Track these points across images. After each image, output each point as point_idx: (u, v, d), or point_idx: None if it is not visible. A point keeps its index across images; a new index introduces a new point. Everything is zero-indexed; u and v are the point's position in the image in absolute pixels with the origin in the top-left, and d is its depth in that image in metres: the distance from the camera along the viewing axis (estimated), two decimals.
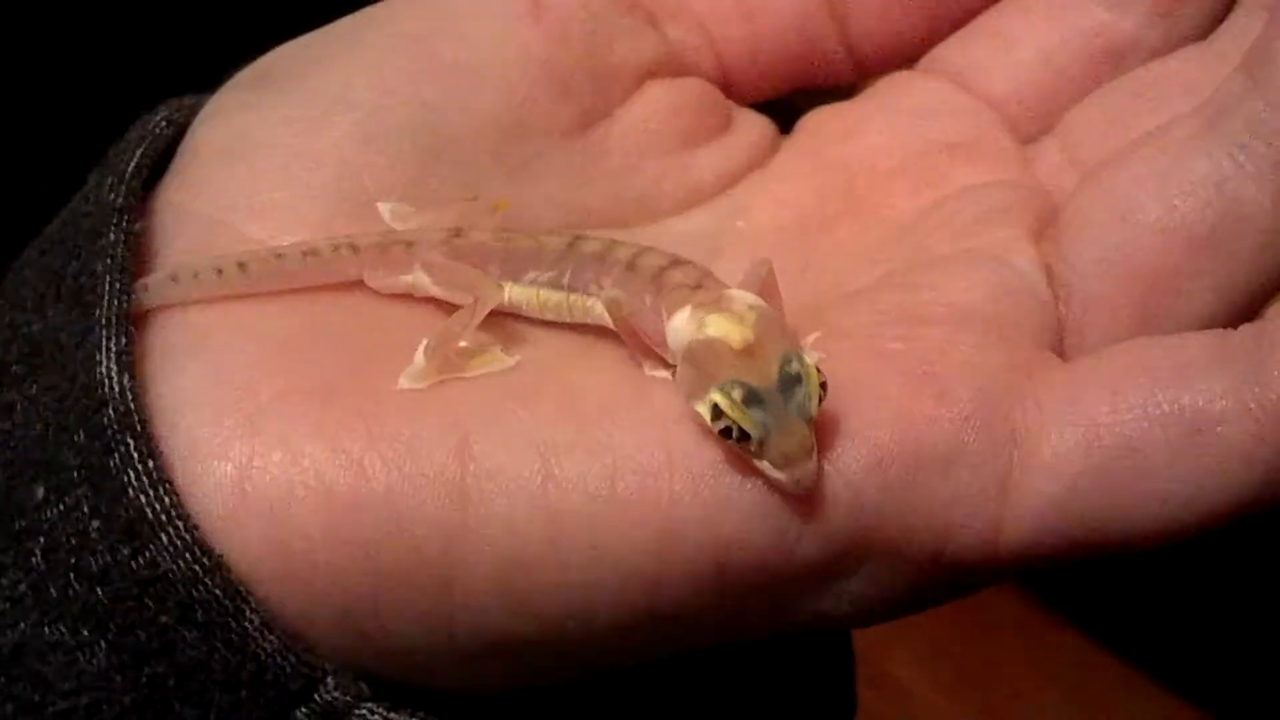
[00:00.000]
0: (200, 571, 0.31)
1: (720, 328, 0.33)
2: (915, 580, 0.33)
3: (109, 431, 0.31)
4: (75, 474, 0.31)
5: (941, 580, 0.34)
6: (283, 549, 0.31)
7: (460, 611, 0.32)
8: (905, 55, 0.45)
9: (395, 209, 0.38)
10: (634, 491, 0.32)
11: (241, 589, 0.31)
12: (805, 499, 0.32)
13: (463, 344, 0.35)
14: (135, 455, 0.31)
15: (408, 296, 0.37)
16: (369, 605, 0.32)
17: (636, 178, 0.42)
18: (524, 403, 0.33)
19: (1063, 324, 0.36)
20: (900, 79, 0.45)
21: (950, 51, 0.44)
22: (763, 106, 0.46)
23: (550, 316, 0.37)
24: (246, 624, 0.31)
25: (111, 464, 0.31)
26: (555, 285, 0.37)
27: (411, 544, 0.31)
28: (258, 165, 0.37)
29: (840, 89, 0.46)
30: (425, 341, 0.34)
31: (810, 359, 0.32)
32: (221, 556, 0.31)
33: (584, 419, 0.33)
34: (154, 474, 0.31)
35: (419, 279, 0.37)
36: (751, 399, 0.31)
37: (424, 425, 0.32)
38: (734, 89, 0.45)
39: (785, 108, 0.46)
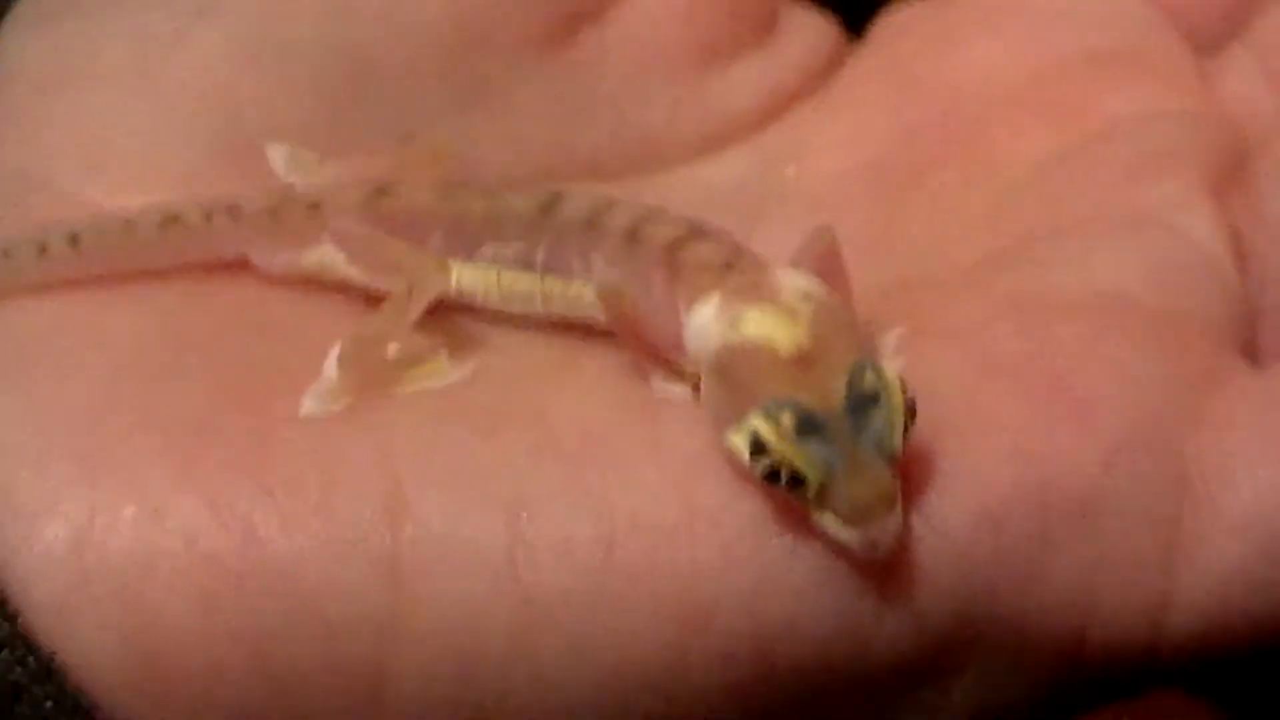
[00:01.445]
0: (22, 676, 0.32)
1: (762, 326, 0.33)
2: (1048, 680, 0.34)
3: None
4: None
5: (1084, 679, 0.34)
6: (142, 645, 0.32)
7: None
8: None
9: (293, 156, 0.39)
10: (639, 560, 0.32)
11: (83, 701, 0.32)
12: (886, 568, 0.32)
13: (391, 349, 0.36)
14: None
15: (313, 284, 0.38)
16: None
17: (640, 107, 0.43)
18: (482, 434, 0.34)
19: (1255, 314, 0.38)
20: None
21: None
22: (821, 1, 0.47)
23: (518, 309, 0.38)
24: None
25: None
26: (524, 264, 0.38)
27: (326, 637, 0.32)
28: (92, 97, 0.38)
29: None
30: (338, 346, 0.36)
31: (892, 369, 0.33)
32: (54, 656, 0.32)
33: (567, 457, 0.34)
34: None
35: (328, 257, 0.38)
36: (808, 427, 0.32)
37: (339, 467, 0.33)
38: None
39: (853, 3, 0.47)
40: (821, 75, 0.45)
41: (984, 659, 0.34)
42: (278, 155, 0.39)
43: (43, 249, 0.36)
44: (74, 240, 0.36)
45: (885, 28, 0.46)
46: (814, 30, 0.46)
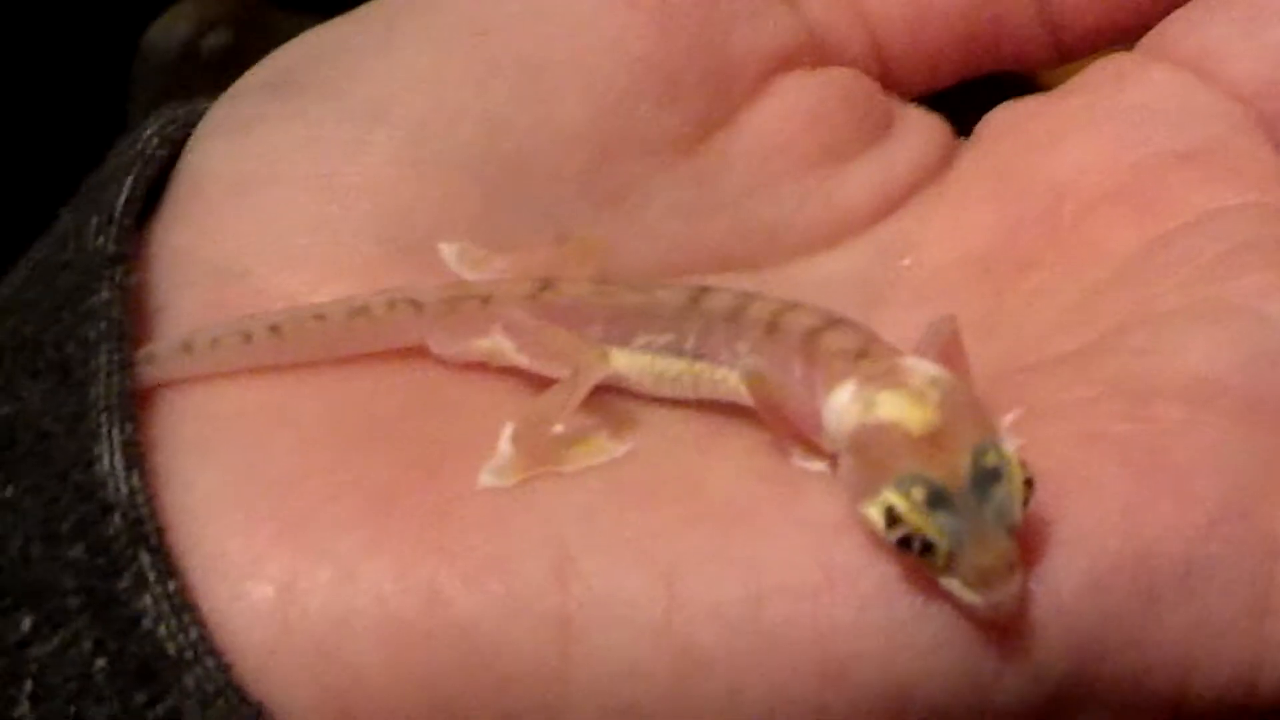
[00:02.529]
0: None
1: (895, 408, 0.35)
2: None
3: (116, 545, 0.35)
4: (73, 600, 0.35)
5: None
6: (337, 694, 0.35)
7: None
8: (1121, 32, 0.49)
9: (464, 252, 0.42)
10: (784, 619, 0.34)
11: None
12: (1007, 627, 0.34)
13: (558, 429, 0.38)
14: (151, 575, 0.35)
15: (485, 367, 0.41)
16: None
17: (767, 204, 0.45)
18: (640, 504, 0.36)
19: None
20: (1116, 65, 0.48)
21: (1183, 28, 0.47)
22: (931, 102, 0.49)
23: (668, 392, 0.40)
24: None
25: (121, 587, 0.35)
26: (675, 352, 0.40)
27: (501, 687, 0.34)
28: (280, 198, 0.42)
29: (1034, 79, 0.51)
30: (510, 426, 0.38)
31: (1011, 447, 0.35)
32: (261, 704, 0.34)
33: (717, 525, 0.36)
34: (175, 599, 0.34)
35: (499, 344, 0.41)
36: (938, 500, 0.34)
37: (513, 534, 0.36)
38: (894, 79, 0.48)
39: (960, 105, 0.50)
40: (933, 172, 0.47)
41: (1093, 710, 0.36)
42: (450, 252, 0.42)
43: (247, 337, 0.39)
44: (275, 330, 0.39)
45: (990, 127, 0.48)
46: (926, 129, 0.48)
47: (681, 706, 0.35)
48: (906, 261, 0.45)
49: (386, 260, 0.41)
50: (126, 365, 0.37)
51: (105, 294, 0.38)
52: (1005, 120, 0.48)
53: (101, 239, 0.39)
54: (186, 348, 0.39)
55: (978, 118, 0.49)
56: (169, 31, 0.79)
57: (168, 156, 0.43)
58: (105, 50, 0.74)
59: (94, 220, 0.40)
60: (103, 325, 0.38)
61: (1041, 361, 0.41)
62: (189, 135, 0.44)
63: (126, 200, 0.40)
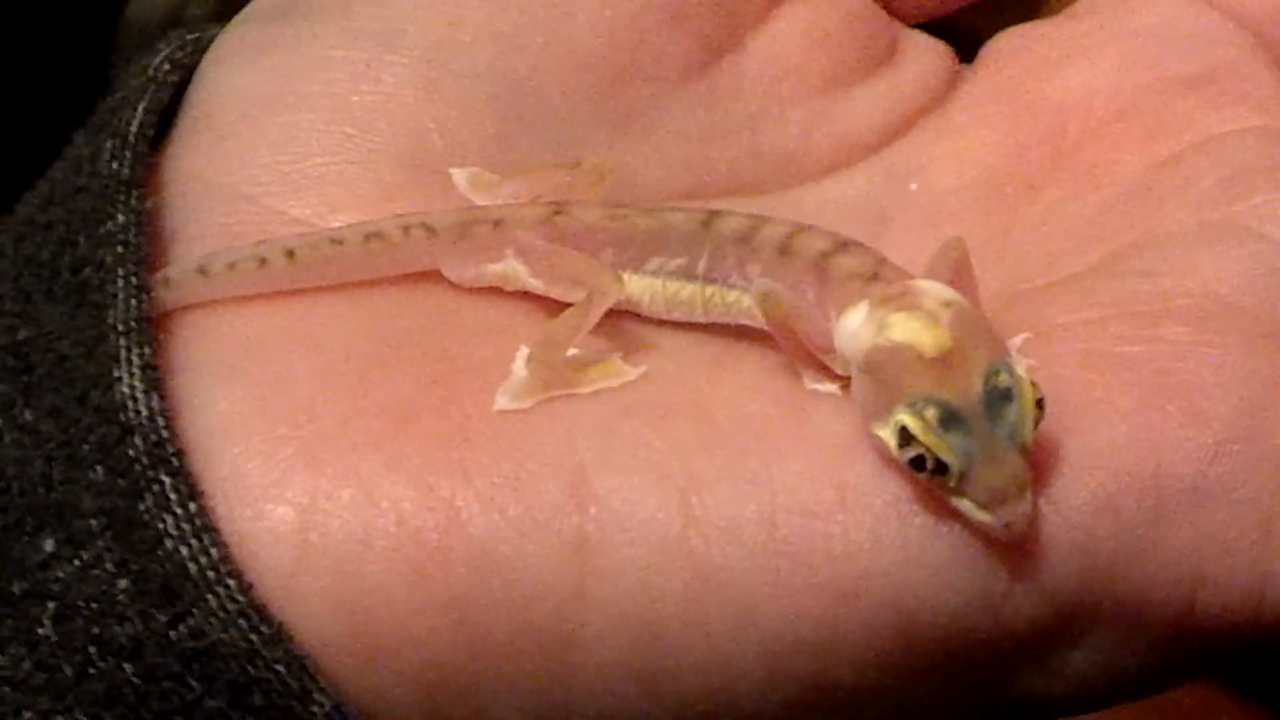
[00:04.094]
0: (258, 642, 0.34)
1: (908, 330, 0.36)
2: (1155, 650, 0.37)
3: (137, 467, 0.35)
4: (94, 522, 0.35)
5: (1187, 650, 0.37)
6: (357, 614, 0.35)
7: (579, 692, 0.35)
8: None
9: (475, 177, 0.42)
10: (798, 538, 0.35)
11: (308, 664, 0.34)
12: (1017, 546, 0.35)
13: (573, 351, 0.39)
14: (172, 497, 0.35)
15: (499, 291, 0.41)
16: (465, 684, 0.35)
17: (775, 128, 0.45)
18: (654, 425, 0.36)
19: None
20: None
21: None
22: (935, 28, 0.49)
23: (681, 315, 0.41)
24: (315, 708, 0.35)
25: (142, 508, 0.35)
26: (688, 275, 0.40)
27: (519, 606, 0.35)
28: (294, 122, 0.41)
29: (1040, 3, 0.50)
30: (525, 349, 0.38)
31: (1022, 368, 0.35)
32: (283, 624, 0.34)
33: (731, 445, 0.36)
34: (197, 520, 0.35)
35: (513, 268, 0.41)
36: (950, 420, 0.34)
37: (530, 455, 0.36)
38: (898, 4, 0.48)
39: (964, 29, 0.50)
40: (938, 97, 0.47)
41: (1102, 628, 0.36)
42: (461, 177, 0.42)
43: (262, 261, 0.39)
44: (290, 255, 0.39)
45: (994, 52, 0.48)
46: (931, 55, 0.48)
47: (697, 624, 0.35)
48: (913, 185, 0.46)
49: (401, 184, 0.41)
50: (143, 289, 0.37)
51: (121, 218, 0.38)
52: (1010, 45, 0.49)
53: (116, 163, 0.39)
54: (203, 272, 0.39)
55: (982, 44, 0.49)
56: (152, 1, 0.79)
57: (179, 82, 0.43)
58: (88, 21, 0.73)
59: (108, 145, 0.40)
60: (119, 249, 0.38)
61: (1050, 284, 0.41)
62: (200, 61, 0.43)
63: (140, 125, 0.40)
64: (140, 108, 0.41)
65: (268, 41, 0.43)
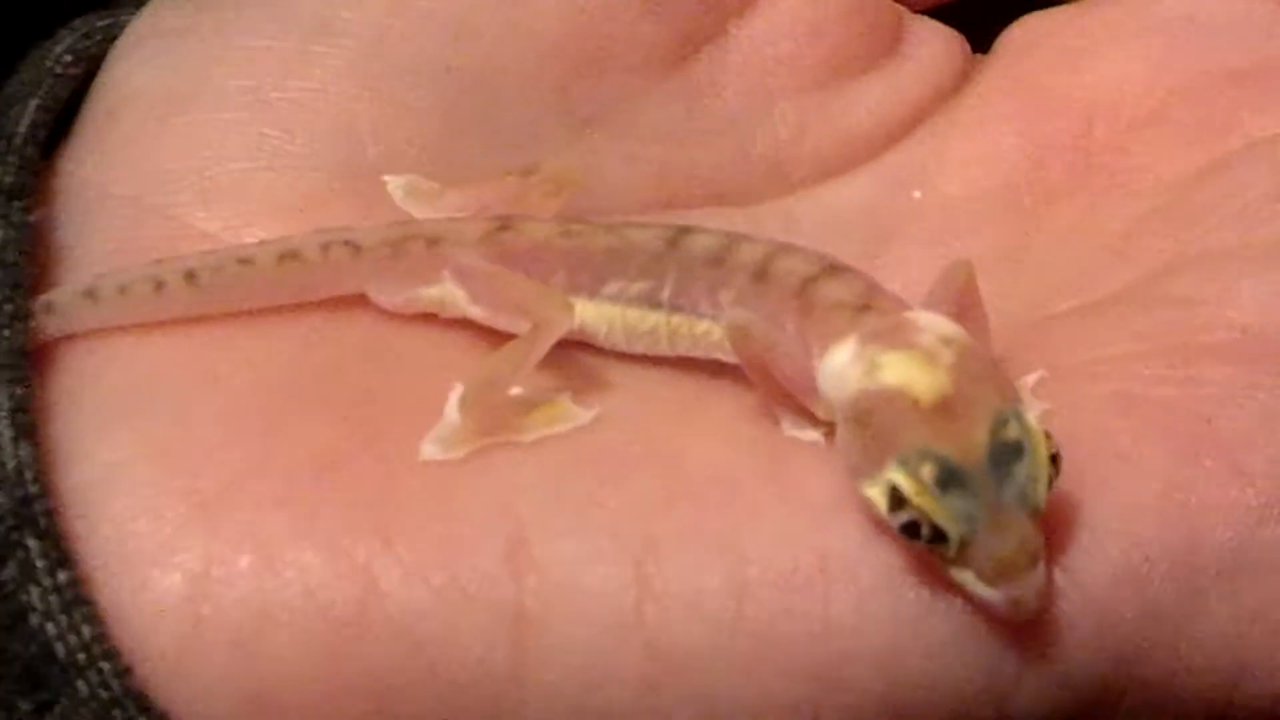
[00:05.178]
0: None
1: (901, 371, 0.33)
2: None
3: (1, 529, 0.32)
4: None
5: None
6: (257, 700, 0.32)
7: None
8: None
9: (412, 185, 0.39)
10: (771, 614, 0.32)
11: None
12: (1028, 626, 0.32)
13: (515, 391, 0.36)
14: (39, 564, 0.32)
15: (433, 319, 0.38)
16: None
17: (763, 128, 0.42)
18: (607, 479, 0.34)
19: None
20: None
21: None
22: (945, 14, 0.46)
23: (643, 348, 0.38)
24: None
25: (4, 577, 0.32)
26: (651, 302, 0.37)
27: (446, 693, 0.32)
28: (208, 122, 0.38)
29: None
30: (460, 388, 0.35)
31: (1034, 417, 0.32)
32: (167, 715, 0.32)
33: (696, 503, 0.33)
34: (66, 592, 0.32)
35: (450, 293, 0.38)
36: (949, 479, 0.32)
37: (461, 515, 0.33)
38: None
39: (977, 16, 0.46)
40: (948, 91, 0.44)
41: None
42: (397, 185, 0.39)
43: (159, 284, 0.36)
44: (191, 276, 0.36)
45: (1012, 41, 0.46)
46: (940, 44, 0.45)
47: (653, 713, 0.32)
48: (918, 194, 0.43)
49: (328, 193, 0.39)
50: (21, 316, 0.35)
51: (0, 233, 0.36)
52: (1030, 33, 0.46)
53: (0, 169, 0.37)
54: (90, 296, 0.36)
55: (998, 32, 0.46)
56: None
57: (82, 75, 0.40)
58: None
59: None
60: None
61: (1070, 311, 0.39)
62: (107, 51, 0.41)
63: (31, 125, 0.38)
64: (32, 105, 0.38)
65: (184, 28, 0.40)
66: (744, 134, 0.42)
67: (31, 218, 0.36)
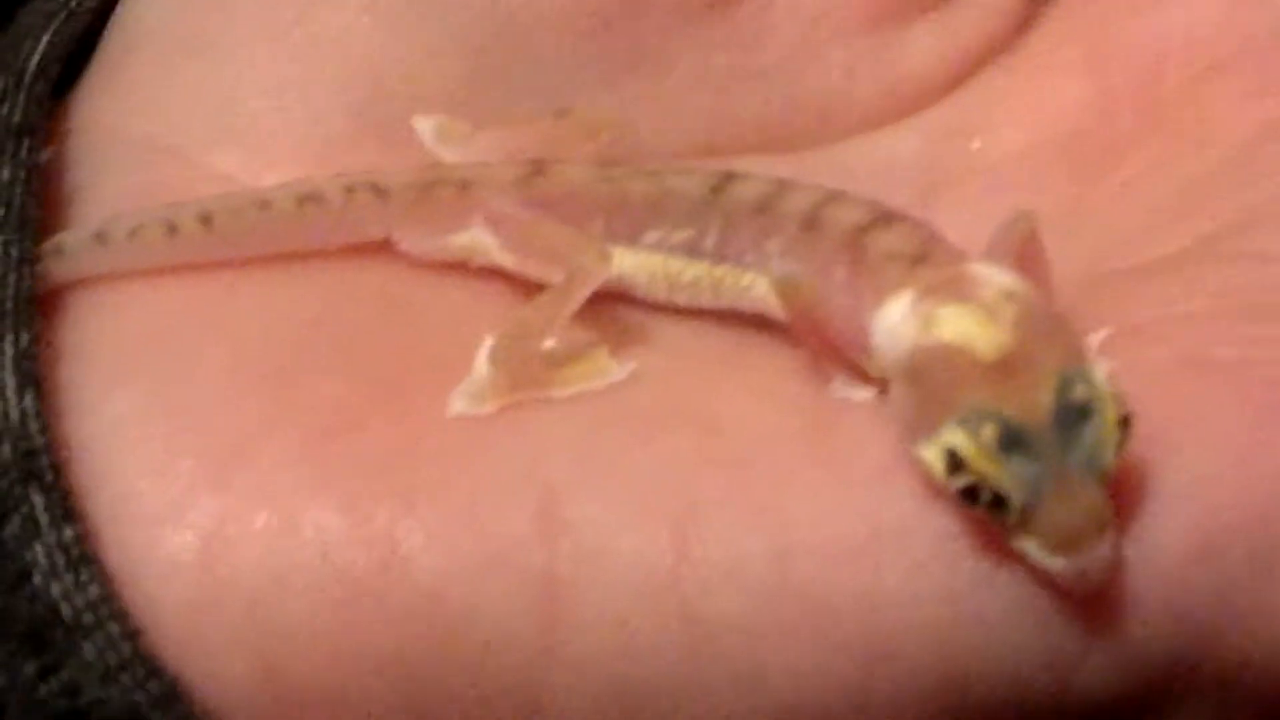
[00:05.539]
0: (144, 703, 0.31)
1: (960, 327, 0.32)
2: None
3: (3, 482, 0.32)
4: None
5: None
6: (272, 667, 0.31)
7: None
8: None
9: (443, 127, 0.38)
10: (817, 583, 0.31)
11: None
12: (1094, 599, 0.31)
13: (548, 344, 0.35)
14: (43, 520, 0.32)
15: (462, 268, 0.38)
16: None
17: (810, 74, 0.41)
18: (643, 439, 0.33)
19: None
20: None
21: None
22: None
23: (684, 301, 0.37)
24: None
25: (7, 534, 0.32)
26: (693, 251, 0.37)
27: (473, 663, 0.31)
28: (228, 58, 0.38)
29: None
30: (490, 340, 0.35)
31: (1102, 377, 0.31)
32: (178, 680, 0.31)
33: (737, 466, 0.32)
34: (72, 550, 0.31)
35: (480, 240, 0.37)
36: (1012, 441, 0.31)
37: (489, 475, 0.32)
38: None
39: None
40: (1008, 38, 0.43)
41: (1197, 701, 0.32)
42: (426, 127, 0.39)
43: (173, 228, 0.36)
44: (206, 219, 0.36)
45: None
46: None
47: (691, 687, 0.32)
48: (976, 144, 0.42)
49: (352, 135, 0.38)
50: (28, 259, 0.35)
51: (6, 172, 0.35)
52: None
53: (7, 107, 0.36)
54: (100, 239, 0.36)
55: None
56: None
57: (97, 10, 0.40)
58: None
59: (0, 84, 0.37)
60: (3, 210, 0.35)
61: (1138, 266, 0.37)
62: None
63: (41, 62, 0.37)
64: (43, 40, 0.38)
65: None
66: (791, 80, 0.41)
67: (40, 157, 0.36)
